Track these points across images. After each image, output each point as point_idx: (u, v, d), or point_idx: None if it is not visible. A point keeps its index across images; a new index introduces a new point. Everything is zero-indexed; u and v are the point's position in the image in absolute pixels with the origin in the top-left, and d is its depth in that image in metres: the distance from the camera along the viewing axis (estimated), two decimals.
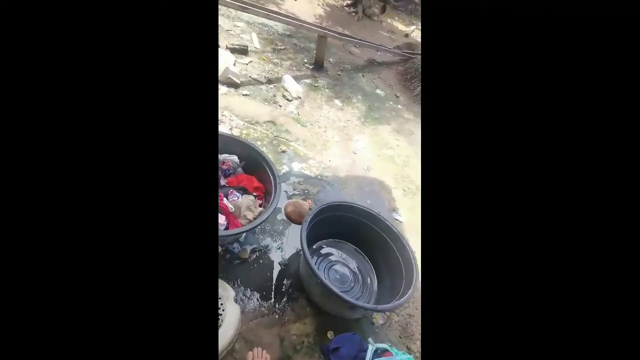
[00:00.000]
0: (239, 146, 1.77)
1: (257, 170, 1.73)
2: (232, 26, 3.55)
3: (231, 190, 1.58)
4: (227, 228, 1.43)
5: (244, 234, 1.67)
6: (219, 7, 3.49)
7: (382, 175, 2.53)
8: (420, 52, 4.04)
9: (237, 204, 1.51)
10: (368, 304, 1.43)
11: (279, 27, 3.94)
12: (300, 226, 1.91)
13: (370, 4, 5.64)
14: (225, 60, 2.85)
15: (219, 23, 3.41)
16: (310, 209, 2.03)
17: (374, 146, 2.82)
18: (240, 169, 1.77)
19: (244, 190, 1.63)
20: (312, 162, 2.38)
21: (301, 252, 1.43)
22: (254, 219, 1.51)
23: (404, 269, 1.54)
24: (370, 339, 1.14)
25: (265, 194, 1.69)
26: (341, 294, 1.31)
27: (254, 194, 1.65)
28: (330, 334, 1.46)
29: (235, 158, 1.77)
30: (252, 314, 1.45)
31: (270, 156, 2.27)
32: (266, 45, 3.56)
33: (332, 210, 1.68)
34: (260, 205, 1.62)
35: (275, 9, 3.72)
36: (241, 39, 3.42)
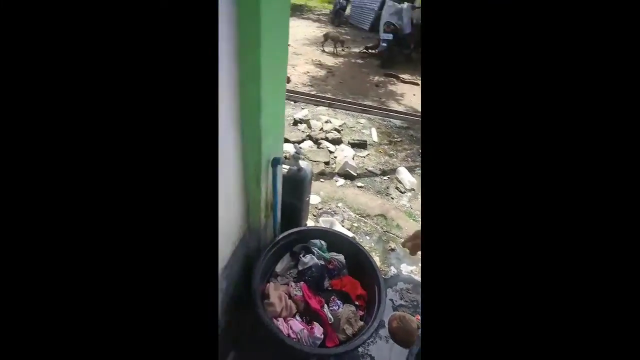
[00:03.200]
0: (347, 244, 1.78)
1: (363, 274, 1.68)
2: (355, 123, 4.02)
3: (333, 297, 1.55)
4: (323, 342, 1.37)
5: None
6: (344, 110, 4.06)
7: None
8: None
9: (337, 314, 1.46)
10: None
11: (397, 120, 4.20)
12: (404, 349, 1.66)
13: None
14: (346, 155, 3.18)
15: (344, 122, 3.94)
16: (418, 326, 1.75)
17: None
18: (345, 270, 1.76)
19: (346, 297, 1.58)
20: None
21: None
22: (353, 335, 1.41)
23: None
24: None
25: (367, 304, 1.58)
26: None
27: (356, 302, 1.57)
28: None
29: (341, 257, 1.78)
30: None
31: (378, 254, 2.21)
32: (384, 138, 3.80)
33: None
34: (361, 318, 1.52)
35: (394, 105, 4.05)
36: (362, 134, 3.79)
